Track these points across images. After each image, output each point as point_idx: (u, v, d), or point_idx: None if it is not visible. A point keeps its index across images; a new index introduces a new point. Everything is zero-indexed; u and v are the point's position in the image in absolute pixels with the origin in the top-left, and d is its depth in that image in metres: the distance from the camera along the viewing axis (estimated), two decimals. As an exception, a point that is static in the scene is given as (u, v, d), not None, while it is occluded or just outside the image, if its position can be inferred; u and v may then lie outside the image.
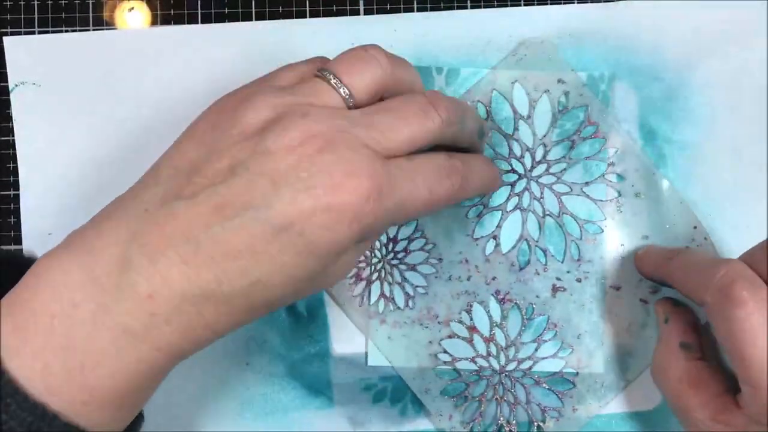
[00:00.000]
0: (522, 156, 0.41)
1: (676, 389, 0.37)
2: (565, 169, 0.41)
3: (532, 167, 0.41)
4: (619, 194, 0.41)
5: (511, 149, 0.41)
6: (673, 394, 0.37)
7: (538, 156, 0.41)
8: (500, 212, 0.41)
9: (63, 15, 0.42)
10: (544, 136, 0.41)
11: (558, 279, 0.41)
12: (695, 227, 0.41)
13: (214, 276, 0.29)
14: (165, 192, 0.30)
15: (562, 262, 0.41)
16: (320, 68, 0.33)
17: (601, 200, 0.41)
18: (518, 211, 0.41)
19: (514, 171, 0.41)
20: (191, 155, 0.31)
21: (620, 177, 0.41)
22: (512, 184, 0.41)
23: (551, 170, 0.41)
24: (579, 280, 0.41)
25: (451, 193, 0.33)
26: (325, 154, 0.30)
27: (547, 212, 0.41)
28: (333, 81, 0.32)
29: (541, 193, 0.41)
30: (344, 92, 0.32)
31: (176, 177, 0.31)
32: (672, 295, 0.39)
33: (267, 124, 0.31)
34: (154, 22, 0.42)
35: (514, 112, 0.41)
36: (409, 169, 0.32)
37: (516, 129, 0.41)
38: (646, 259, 0.40)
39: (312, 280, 0.31)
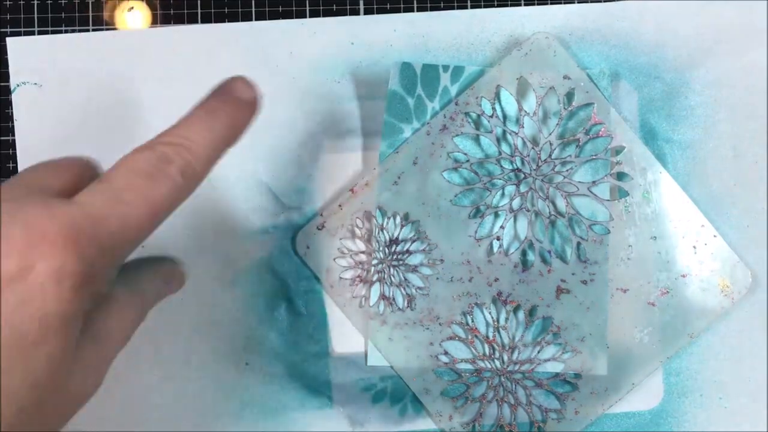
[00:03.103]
0: (527, 154, 0.39)
1: None
2: (571, 168, 0.39)
3: (538, 166, 0.39)
4: (627, 194, 0.39)
5: (516, 147, 0.39)
6: None
7: (544, 155, 0.39)
8: (503, 212, 0.39)
9: (63, 15, 0.41)
10: (550, 134, 0.39)
11: (563, 281, 0.39)
12: (703, 226, 0.39)
13: None
14: None
15: (567, 264, 0.39)
16: None
17: (608, 200, 0.39)
18: (522, 211, 0.39)
19: (519, 170, 0.39)
20: None
21: (628, 176, 0.39)
22: (517, 184, 0.39)
23: (557, 169, 0.39)
24: (584, 282, 0.39)
25: (176, 187, 0.25)
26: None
27: (552, 212, 0.39)
28: None
29: (547, 193, 0.39)
30: None
31: None
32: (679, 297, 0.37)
33: None
34: (154, 22, 0.41)
35: (519, 108, 0.39)
36: (106, 191, 0.24)
37: (521, 126, 0.39)
38: None
39: (30, 391, 0.22)
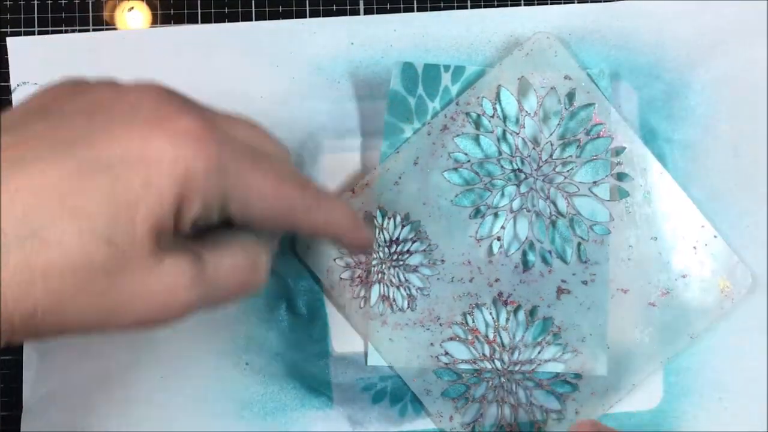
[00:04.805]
0: (528, 155, 0.38)
1: None
2: (572, 169, 0.38)
3: (539, 166, 0.38)
4: (628, 194, 0.39)
5: (516, 147, 0.38)
6: None
7: (545, 155, 0.38)
8: (503, 213, 0.38)
9: (63, 15, 0.40)
10: (551, 134, 0.38)
11: (563, 281, 0.38)
12: (703, 226, 0.39)
13: None
14: None
15: (568, 264, 0.38)
16: None
17: (609, 200, 0.38)
18: (522, 211, 0.38)
19: (520, 170, 0.38)
20: (6, 117, 0.25)
21: (628, 176, 0.38)
22: (517, 184, 0.38)
23: (558, 169, 0.38)
24: (585, 283, 0.38)
25: (296, 202, 0.28)
26: (158, 94, 0.25)
27: (553, 213, 0.38)
28: None
29: (547, 193, 0.38)
30: None
31: None
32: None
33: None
34: (154, 22, 0.41)
35: (520, 108, 0.38)
36: (254, 152, 0.27)
37: (522, 126, 0.38)
38: None
39: (110, 262, 0.23)
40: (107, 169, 0.23)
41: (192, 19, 0.41)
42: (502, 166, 0.38)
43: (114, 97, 0.25)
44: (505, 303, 0.38)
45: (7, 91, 0.40)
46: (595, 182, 0.38)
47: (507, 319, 0.38)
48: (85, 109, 0.24)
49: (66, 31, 0.40)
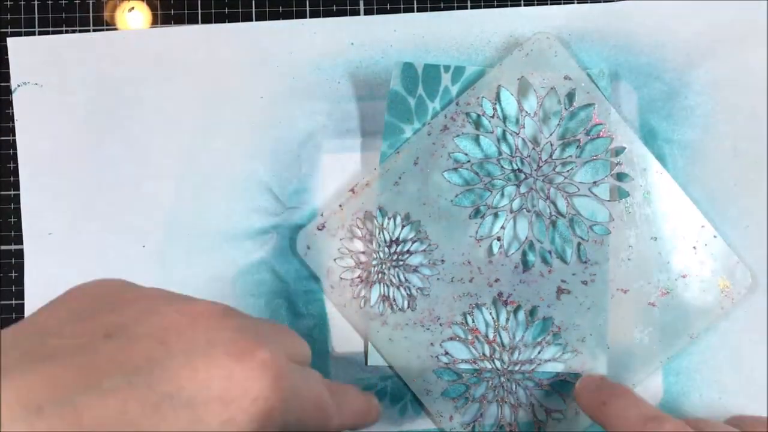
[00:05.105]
0: (528, 155, 0.38)
1: None
2: (571, 169, 0.38)
3: (539, 166, 0.38)
4: (628, 194, 0.39)
5: (516, 147, 0.38)
6: None
7: (544, 155, 0.38)
8: (504, 213, 0.38)
9: (63, 15, 0.40)
10: (551, 134, 0.38)
11: (563, 281, 0.38)
12: (703, 226, 0.38)
13: None
14: (11, 357, 0.21)
15: (568, 264, 0.38)
16: None
17: (609, 201, 0.38)
18: (522, 211, 0.38)
19: (520, 171, 0.38)
20: (51, 318, 0.24)
21: (628, 177, 0.38)
22: (517, 184, 0.38)
23: (557, 170, 0.38)
24: (585, 283, 0.38)
25: (329, 412, 0.28)
26: (227, 319, 0.25)
27: (553, 213, 0.38)
28: None
29: (547, 193, 0.38)
30: None
31: (30, 338, 0.22)
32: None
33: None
34: (154, 22, 0.41)
35: (520, 109, 0.38)
36: (307, 374, 0.27)
37: (522, 126, 0.38)
38: (582, 396, 0.35)
39: None
40: (188, 406, 0.22)
41: (192, 19, 0.40)
42: (502, 167, 0.38)
43: (183, 320, 0.24)
44: (505, 303, 0.38)
45: (7, 91, 0.40)
46: (595, 182, 0.38)
47: (507, 319, 0.38)
48: (155, 333, 0.23)
49: (66, 31, 0.40)
